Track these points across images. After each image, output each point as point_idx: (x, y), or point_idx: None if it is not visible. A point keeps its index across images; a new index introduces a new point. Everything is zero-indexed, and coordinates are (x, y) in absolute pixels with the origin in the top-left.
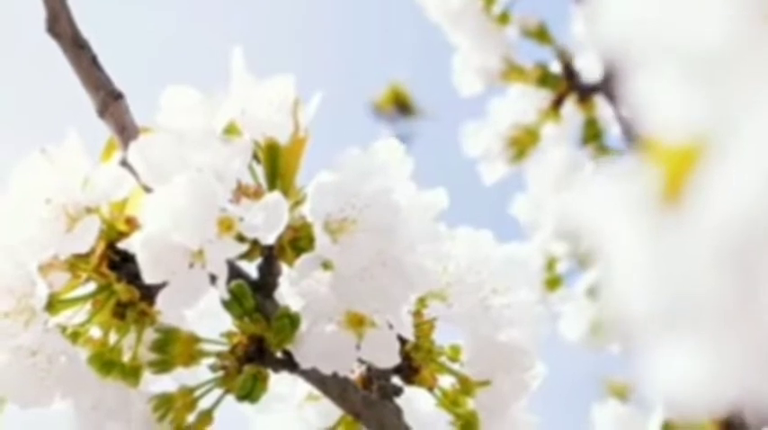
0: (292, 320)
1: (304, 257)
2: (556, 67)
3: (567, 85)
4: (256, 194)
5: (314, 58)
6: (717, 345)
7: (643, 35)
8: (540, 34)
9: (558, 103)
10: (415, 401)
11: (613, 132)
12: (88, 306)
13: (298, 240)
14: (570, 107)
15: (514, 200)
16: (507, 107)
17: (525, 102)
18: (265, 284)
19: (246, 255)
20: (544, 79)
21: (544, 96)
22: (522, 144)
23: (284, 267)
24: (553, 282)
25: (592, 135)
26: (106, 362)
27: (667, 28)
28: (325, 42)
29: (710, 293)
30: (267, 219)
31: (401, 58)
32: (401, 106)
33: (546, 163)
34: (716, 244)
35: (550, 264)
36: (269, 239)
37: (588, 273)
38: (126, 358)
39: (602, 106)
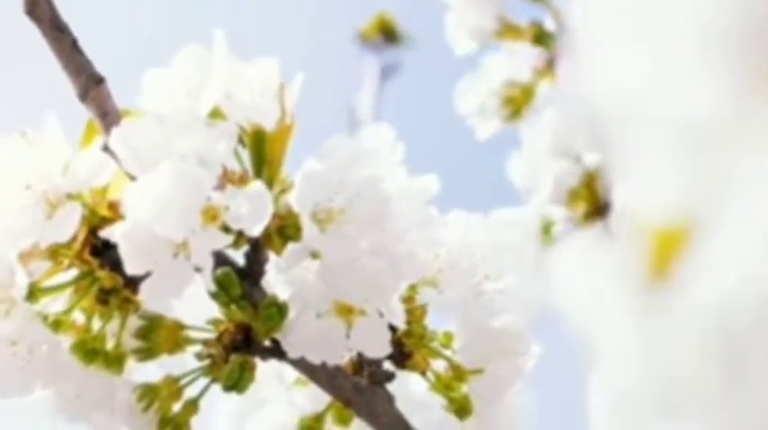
0: (280, 309)
1: (291, 247)
2: (551, 25)
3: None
4: (242, 180)
5: None
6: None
7: (630, 104)
8: None
9: (552, 62)
10: (408, 384)
11: None
12: (70, 293)
13: (285, 228)
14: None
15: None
16: (501, 64)
17: (520, 59)
18: (252, 272)
19: (233, 244)
20: (539, 38)
21: (539, 55)
22: (517, 103)
23: (272, 255)
24: (549, 245)
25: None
26: (89, 351)
27: (655, 98)
28: None
29: (698, 377)
30: (253, 209)
31: None
32: (388, 35)
33: (541, 123)
34: (703, 325)
35: (547, 227)
36: (254, 232)
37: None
38: (109, 346)
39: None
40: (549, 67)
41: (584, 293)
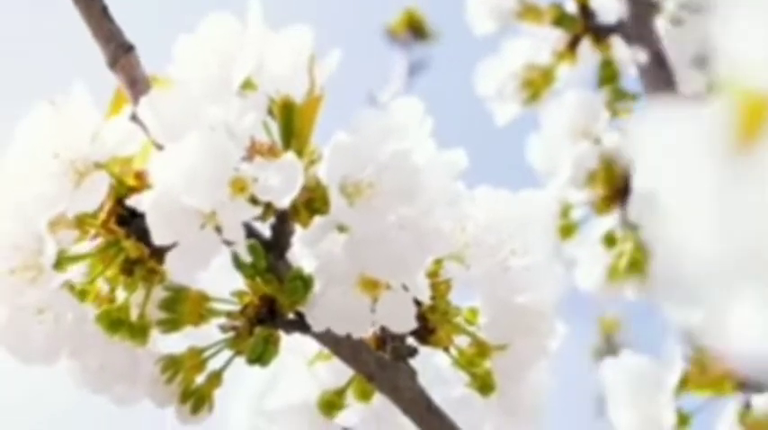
0: (305, 282)
1: (319, 221)
2: (572, 7)
3: (583, 25)
4: (271, 152)
5: None
6: None
7: None
8: None
9: (573, 44)
10: (430, 360)
11: (630, 74)
12: (95, 261)
13: (312, 201)
14: (586, 48)
15: (529, 143)
16: (521, 47)
17: (540, 42)
18: (278, 244)
19: (260, 216)
20: (560, 19)
21: (559, 37)
22: (537, 85)
23: (298, 228)
24: (568, 230)
25: (608, 77)
26: (114, 321)
27: None
28: None
29: None
30: (281, 181)
31: None
32: (416, 31)
33: (561, 106)
34: None
35: (565, 210)
36: (283, 203)
37: (604, 220)
38: (134, 316)
39: (618, 47)
40: (570, 49)
41: (669, 160)
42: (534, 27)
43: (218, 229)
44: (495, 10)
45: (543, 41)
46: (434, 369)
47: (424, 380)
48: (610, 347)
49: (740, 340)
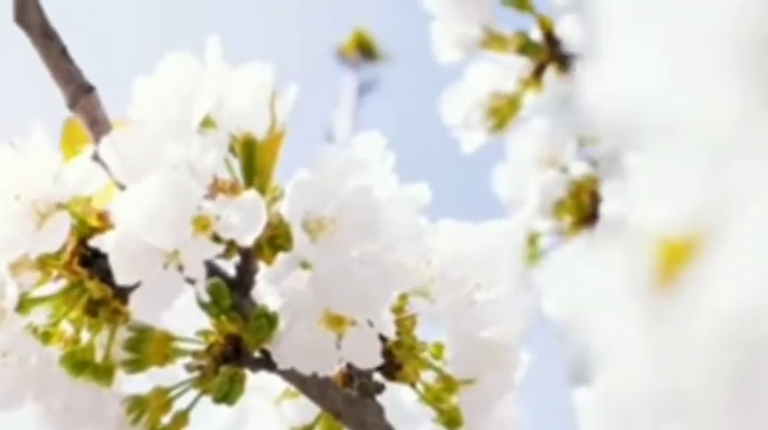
0: (270, 320)
1: (282, 258)
2: (536, 35)
3: (549, 53)
4: (233, 190)
5: (278, 3)
6: None
7: (646, 110)
8: (521, 1)
9: (539, 72)
10: (397, 396)
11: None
12: (59, 303)
13: (275, 238)
14: (551, 76)
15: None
16: (486, 74)
17: (505, 69)
18: (242, 283)
19: (224, 254)
20: (525, 47)
21: (525, 65)
22: (503, 114)
23: (262, 265)
24: (535, 258)
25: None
26: (78, 362)
27: (671, 104)
28: None
29: (706, 386)
30: (244, 219)
31: (367, 4)
32: (365, 52)
33: (527, 134)
34: (713, 334)
35: (532, 239)
36: (246, 241)
37: (570, 248)
38: (99, 358)
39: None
40: (535, 77)
41: (587, 298)
42: (499, 55)
43: (181, 268)
44: (460, 39)
45: (508, 69)
46: (401, 405)
47: (391, 416)
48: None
49: None
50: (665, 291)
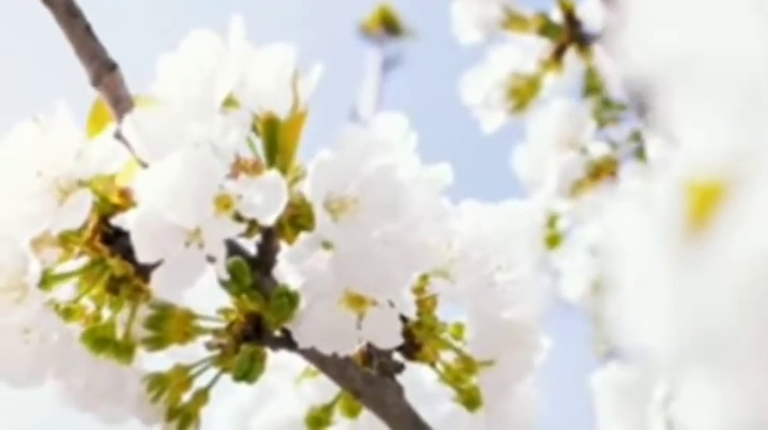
0: (291, 299)
1: (304, 238)
2: (557, 16)
3: (569, 34)
4: (255, 169)
5: None
6: (740, 382)
7: (679, 59)
8: None
9: (559, 53)
10: (417, 375)
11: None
12: (80, 280)
13: (297, 217)
14: (572, 57)
15: (515, 153)
16: (507, 56)
17: (526, 51)
18: (264, 262)
19: (245, 233)
20: (545, 28)
21: (545, 46)
22: (523, 95)
23: (283, 245)
24: (554, 240)
25: (594, 86)
26: (99, 339)
27: (707, 49)
28: None
29: (734, 331)
30: (266, 198)
31: None
32: (389, 27)
33: (547, 116)
34: (740, 279)
35: (551, 220)
36: (267, 221)
37: (590, 231)
38: (119, 335)
39: (603, 57)
40: (556, 58)
41: (627, 245)
42: (520, 36)
43: (203, 247)
44: (480, 19)
45: (529, 50)
46: (421, 385)
47: (410, 396)
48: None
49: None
50: (697, 235)
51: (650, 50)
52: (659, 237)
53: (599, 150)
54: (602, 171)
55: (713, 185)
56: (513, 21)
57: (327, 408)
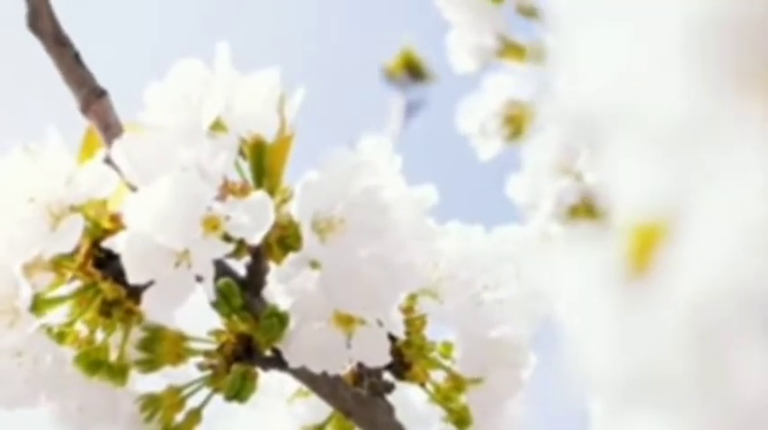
0: (281, 319)
1: (292, 257)
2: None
3: None
4: (243, 191)
5: (325, 24)
6: (681, 420)
7: (609, 106)
8: (536, 10)
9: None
10: (407, 395)
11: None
12: (73, 304)
13: (285, 238)
14: None
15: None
16: (503, 83)
17: (521, 78)
18: (253, 282)
19: (234, 254)
20: (541, 56)
21: (540, 74)
22: (518, 122)
23: (272, 265)
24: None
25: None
26: (92, 362)
27: (632, 99)
28: (336, 6)
29: (674, 372)
30: (253, 218)
31: (412, 23)
32: (413, 72)
33: (543, 142)
34: (680, 320)
35: (545, 243)
36: (255, 239)
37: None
38: (113, 357)
39: None
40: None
41: (572, 289)
42: (515, 65)
43: (192, 267)
44: (475, 48)
45: (525, 78)
46: (412, 406)
47: (401, 417)
48: None
49: None
50: (638, 278)
51: (585, 94)
52: (602, 279)
53: (593, 177)
54: (596, 196)
55: (652, 227)
56: (509, 49)
57: (320, 428)
